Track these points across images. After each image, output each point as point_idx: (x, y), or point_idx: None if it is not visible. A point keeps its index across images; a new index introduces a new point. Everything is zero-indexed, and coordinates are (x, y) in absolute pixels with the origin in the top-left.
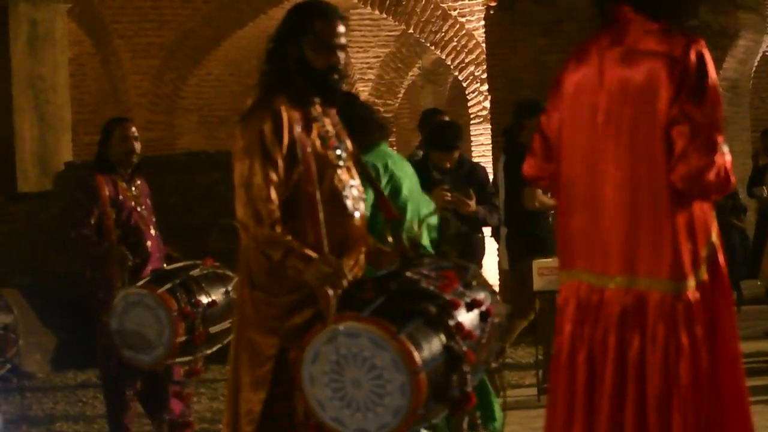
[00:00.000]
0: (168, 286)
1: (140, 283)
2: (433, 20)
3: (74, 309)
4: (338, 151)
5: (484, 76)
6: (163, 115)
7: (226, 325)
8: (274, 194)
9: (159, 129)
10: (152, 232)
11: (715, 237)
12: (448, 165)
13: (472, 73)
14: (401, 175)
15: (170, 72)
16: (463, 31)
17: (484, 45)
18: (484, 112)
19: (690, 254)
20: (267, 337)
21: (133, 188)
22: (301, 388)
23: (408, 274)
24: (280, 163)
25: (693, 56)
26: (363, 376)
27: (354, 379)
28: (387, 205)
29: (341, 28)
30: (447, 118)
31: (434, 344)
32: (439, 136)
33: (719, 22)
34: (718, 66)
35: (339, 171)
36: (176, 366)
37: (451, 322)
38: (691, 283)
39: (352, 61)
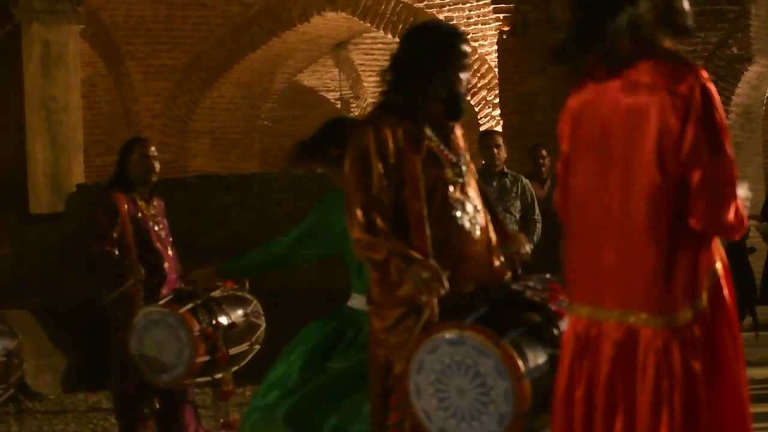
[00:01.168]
0: (189, 306)
1: (162, 301)
2: None
3: (86, 330)
4: (455, 169)
5: (497, 100)
6: (175, 137)
7: (245, 347)
8: (382, 207)
9: (171, 151)
10: (169, 252)
11: (719, 264)
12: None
13: (484, 98)
14: None
15: (183, 94)
16: (476, 56)
17: (496, 70)
18: None
19: (687, 284)
20: (377, 348)
21: (151, 207)
22: (408, 400)
23: (514, 286)
24: (384, 181)
25: (698, 90)
26: (467, 385)
27: (458, 387)
28: (500, 223)
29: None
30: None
31: (538, 353)
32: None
33: (731, 48)
34: (731, 92)
35: (452, 188)
36: (191, 386)
37: (555, 332)
38: (686, 314)
39: (365, 84)
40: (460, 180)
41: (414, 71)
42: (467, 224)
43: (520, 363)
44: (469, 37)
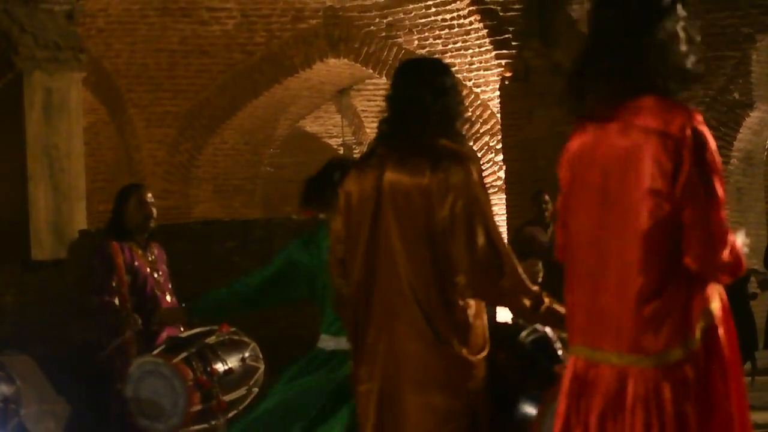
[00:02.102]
0: (183, 355)
1: (156, 351)
2: None
3: (88, 378)
4: None
5: (499, 146)
6: (178, 184)
7: (242, 392)
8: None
9: (174, 198)
10: (168, 298)
11: (716, 305)
12: None
13: (486, 143)
14: None
15: (185, 141)
16: (478, 101)
17: (499, 115)
18: (499, 182)
19: (678, 324)
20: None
21: (149, 254)
22: None
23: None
24: None
25: (689, 132)
26: (550, 422)
27: (550, 427)
28: None
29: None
30: None
31: None
32: None
33: (733, 94)
34: (732, 137)
35: None
36: None
37: None
38: (677, 353)
39: (367, 130)
40: None
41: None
42: None
43: None
44: (471, 83)
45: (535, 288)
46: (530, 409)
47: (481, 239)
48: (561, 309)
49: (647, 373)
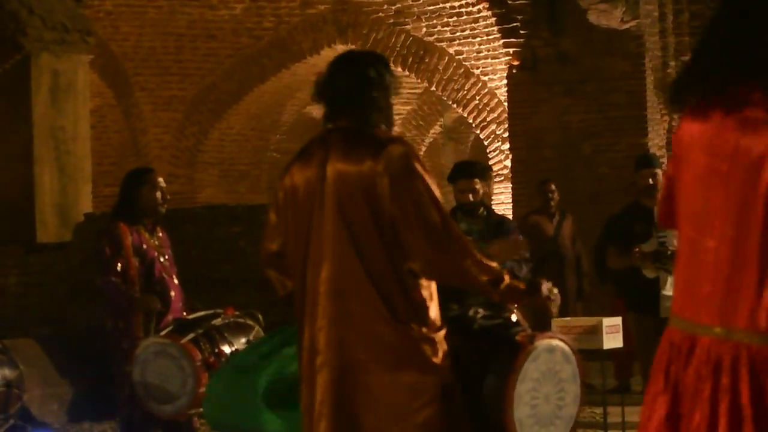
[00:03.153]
0: (191, 335)
1: (163, 332)
2: (455, 78)
3: (92, 360)
4: None
5: (506, 134)
6: (183, 168)
7: None
8: None
9: (180, 182)
10: (175, 281)
11: None
12: (471, 197)
13: (493, 132)
14: None
15: (192, 126)
16: (486, 90)
17: (506, 104)
18: (505, 171)
19: None
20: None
21: (155, 238)
22: (505, 410)
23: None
24: None
25: None
26: (551, 390)
27: (546, 394)
28: None
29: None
30: None
31: None
32: (459, 165)
33: None
34: None
35: None
36: (195, 416)
37: None
38: None
39: None
40: None
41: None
42: None
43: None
44: (479, 71)
45: (494, 265)
46: (497, 380)
47: (434, 223)
48: (520, 285)
49: (756, 349)
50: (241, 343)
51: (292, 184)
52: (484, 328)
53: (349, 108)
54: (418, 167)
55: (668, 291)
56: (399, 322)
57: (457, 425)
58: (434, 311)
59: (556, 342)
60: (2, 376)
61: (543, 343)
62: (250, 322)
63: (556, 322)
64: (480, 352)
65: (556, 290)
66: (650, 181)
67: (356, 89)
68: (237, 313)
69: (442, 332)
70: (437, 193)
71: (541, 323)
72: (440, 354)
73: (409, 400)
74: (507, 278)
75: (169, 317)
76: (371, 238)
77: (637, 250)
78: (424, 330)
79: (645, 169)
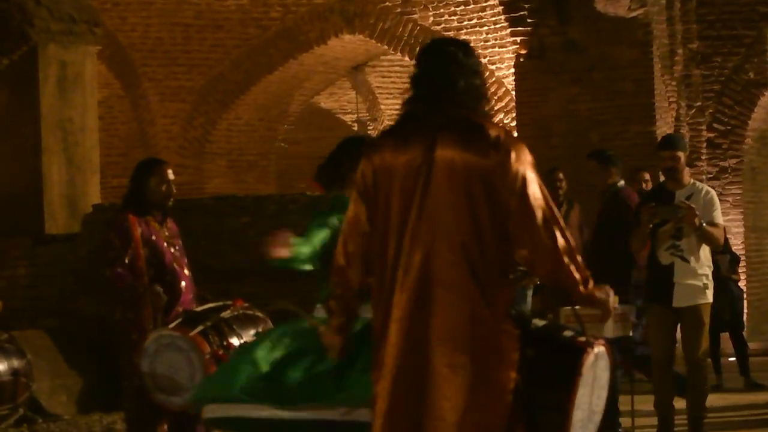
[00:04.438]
0: (200, 328)
1: (172, 325)
2: None
3: (101, 351)
4: None
5: (513, 123)
6: (192, 159)
7: None
8: None
9: (188, 173)
10: (185, 272)
11: None
12: None
13: (501, 121)
14: None
15: (199, 116)
16: (493, 79)
17: (513, 93)
18: None
19: None
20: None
21: (165, 229)
22: (569, 412)
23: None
24: None
25: None
26: (594, 396)
27: (589, 400)
28: None
29: None
30: None
31: None
32: None
33: (748, 73)
34: (747, 116)
35: None
36: None
37: None
38: None
39: (382, 107)
40: None
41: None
42: None
43: None
44: (486, 60)
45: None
46: (555, 384)
47: (547, 218)
48: (597, 291)
49: None
50: (249, 335)
51: (384, 165)
52: (539, 328)
53: (448, 96)
54: (531, 160)
55: (681, 280)
56: (493, 315)
57: (516, 423)
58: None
59: (602, 349)
60: (10, 366)
61: (596, 350)
62: (260, 314)
63: (563, 311)
64: (539, 353)
65: (617, 305)
66: (670, 163)
67: (455, 77)
68: (246, 304)
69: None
70: (544, 187)
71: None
72: (518, 351)
73: (487, 392)
74: (592, 281)
75: (179, 308)
76: (481, 226)
77: (653, 205)
78: (510, 326)
79: (664, 151)
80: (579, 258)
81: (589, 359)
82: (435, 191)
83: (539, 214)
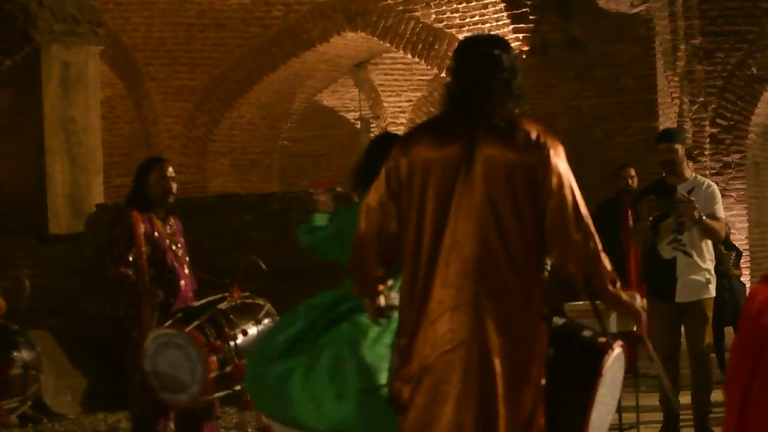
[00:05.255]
0: (195, 323)
1: (168, 323)
2: None
3: (105, 351)
4: None
5: None
6: (194, 158)
7: None
8: None
9: (191, 172)
10: (186, 270)
11: None
12: None
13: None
14: None
15: (202, 115)
16: None
17: None
18: None
19: None
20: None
21: (168, 227)
22: (588, 414)
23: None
24: None
25: None
26: (609, 396)
27: (606, 400)
28: None
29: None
30: None
31: None
32: None
33: (750, 68)
34: (750, 112)
35: None
36: (216, 403)
37: None
38: None
39: (384, 104)
40: None
41: (512, 83)
42: None
43: None
44: None
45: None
46: (576, 383)
47: (581, 216)
48: (624, 293)
49: None
50: (248, 323)
51: (420, 159)
52: (559, 327)
53: (485, 93)
54: (564, 158)
55: (684, 275)
56: (532, 309)
57: (539, 419)
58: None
59: (620, 350)
60: (20, 359)
61: (616, 351)
62: (259, 301)
63: (567, 306)
64: (561, 352)
65: (645, 307)
66: (667, 155)
67: (491, 74)
68: (245, 293)
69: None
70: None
71: None
72: (545, 347)
73: (519, 386)
74: (619, 282)
75: (180, 306)
76: (521, 223)
77: (652, 198)
78: (542, 322)
79: (661, 143)
80: (606, 259)
81: (609, 361)
82: (477, 187)
83: (573, 213)
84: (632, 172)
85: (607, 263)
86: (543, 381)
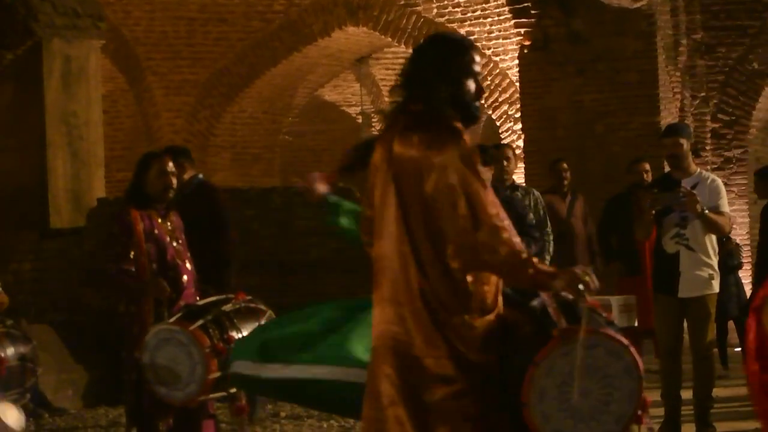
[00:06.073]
0: (200, 322)
1: (172, 319)
2: None
3: (106, 346)
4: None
5: (518, 115)
6: (196, 152)
7: None
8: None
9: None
10: (188, 266)
11: None
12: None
13: (505, 112)
14: None
15: (204, 109)
16: (497, 70)
17: (517, 84)
18: (518, 151)
19: None
20: (484, 355)
21: (168, 223)
22: (527, 403)
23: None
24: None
25: None
26: (593, 386)
27: (584, 389)
28: None
29: (479, 58)
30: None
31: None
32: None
33: (752, 63)
34: (751, 107)
35: None
36: (211, 400)
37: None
38: None
39: (386, 99)
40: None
41: (426, 85)
42: None
43: (641, 365)
44: (490, 51)
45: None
46: (520, 372)
47: (462, 214)
48: (547, 270)
49: None
50: (251, 327)
51: (372, 163)
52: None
53: (412, 91)
54: (460, 162)
55: (687, 270)
56: (440, 305)
57: (486, 416)
58: (480, 297)
59: (601, 338)
60: (16, 351)
61: (579, 338)
62: (262, 306)
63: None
64: (530, 337)
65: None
66: (672, 149)
67: (418, 73)
68: (248, 297)
69: (488, 316)
70: (477, 186)
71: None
72: (477, 342)
73: (433, 381)
74: (535, 264)
75: (181, 302)
76: (420, 221)
77: (654, 191)
78: (466, 317)
79: (667, 138)
80: (509, 244)
81: (551, 350)
82: (388, 187)
83: (458, 213)
84: (647, 166)
85: (505, 249)
86: (457, 372)
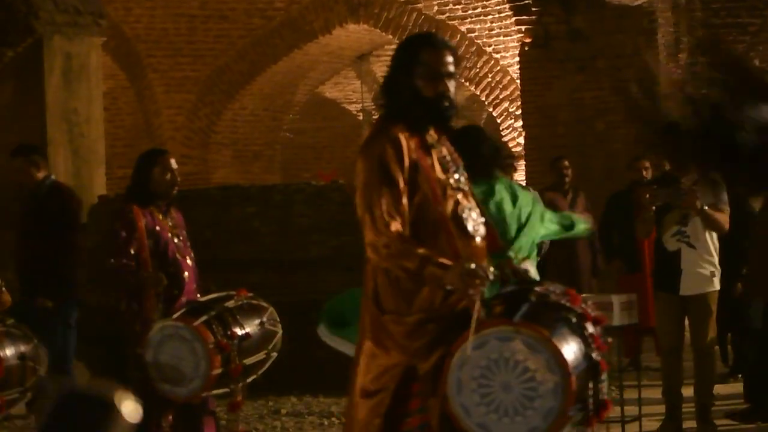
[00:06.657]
0: (204, 318)
1: (176, 315)
2: (467, 56)
3: (108, 343)
4: (456, 176)
5: (519, 112)
6: (197, 149)
7: (261, 356)
8: (399, 216)
9: (193, 163)
10: (189, 263)
11: None
12: None
13: (506, 109)
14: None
15: (205, 107)
16: (498, 68)
17: (518, 81)
18: (519, 149)
19: None
20: (397, 354)
21: (169, 219)
22: (446, 395)
23: (537, 289)
24: (402, 186)
25: None
26: (514, 380)
27: (504, 383)
28: (492, 235)
29: (448, 57)
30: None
31: (577, 351)
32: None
33: (753, 61)
34: None
35: (459, 195)
36: (211, 397)
37: (587, 332)
38: None
39: None
40: (462, 187)
41: (388, 83)
42: (472, 231)
43: (569, 359)
44: (491, 48)
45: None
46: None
47: (360, 213)
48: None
49: None
50: (253, 324)
51: None
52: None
53: (382, 96)
54: (361, 166)
55: (688, 268)
56: (369, 299)
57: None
58: (398, 298)
59: (517, 330)
60: (17, 350)
61: (493, 330)
62: (264, 303)
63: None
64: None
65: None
66: None
67: (385, 77)
68: (250, 294)
69: (409, 317)
70: (370, 189)
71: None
72: (390, 341)
73: (361, 371)
74: (394, 243)
75: (183, 299)
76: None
77: (654, 187)
78: (386, 317)
79: None
80: (374, 232)
81: (464, 340)
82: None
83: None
84: (646, 163)
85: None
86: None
